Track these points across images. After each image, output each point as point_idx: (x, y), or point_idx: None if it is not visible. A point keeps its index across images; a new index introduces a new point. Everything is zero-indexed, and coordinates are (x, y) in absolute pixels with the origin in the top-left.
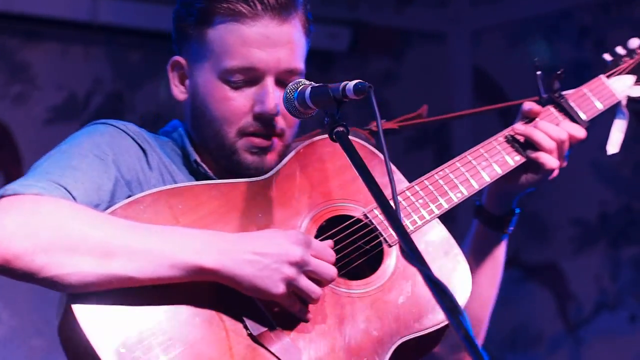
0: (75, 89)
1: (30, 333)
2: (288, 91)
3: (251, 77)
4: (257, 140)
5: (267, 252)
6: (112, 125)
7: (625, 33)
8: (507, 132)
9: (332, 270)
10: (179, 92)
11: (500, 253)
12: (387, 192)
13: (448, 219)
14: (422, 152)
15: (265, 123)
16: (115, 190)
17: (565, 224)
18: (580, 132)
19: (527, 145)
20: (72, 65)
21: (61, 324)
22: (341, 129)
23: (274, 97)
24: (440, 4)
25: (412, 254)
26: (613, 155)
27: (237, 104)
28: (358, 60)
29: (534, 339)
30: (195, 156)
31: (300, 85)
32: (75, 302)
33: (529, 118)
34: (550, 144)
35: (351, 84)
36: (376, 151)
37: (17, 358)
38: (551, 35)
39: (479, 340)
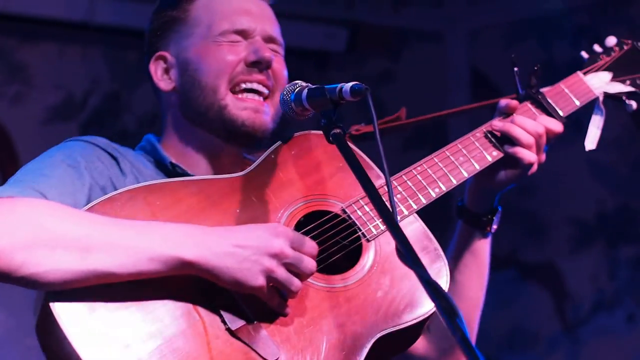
0: (73, 89)
1: (26, 333)
2: (285, 93)
3: (242, 36)
4: (249, 99)
5: (247, 244)
6: (81, 140)
7: (622, 32)
8: (484, 127)
9: (311, 264)
10: (165, 83)
11: (484, 252)
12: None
13: (444, 219)
14: (418, 152)
15: (258, 70)
16: (91, 195)
17: (563, 224)
18: (557, 127)
19: (504, 140)
20: (69, 65)
21: (39, 322)
22: (338, 130)
23: (268, 49)
24: (437, 3)
25: (408, 255)
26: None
27: (229, 55)
28: (355, 60)
29: (531, 338)
30: (169, 159)
31: (297, 87)
32: (53, 300)
33: (506, 114)
34: (527, 138)
35: (348, 85)
36: (355, 147)
37: (13, 358)
38: (548, 34)
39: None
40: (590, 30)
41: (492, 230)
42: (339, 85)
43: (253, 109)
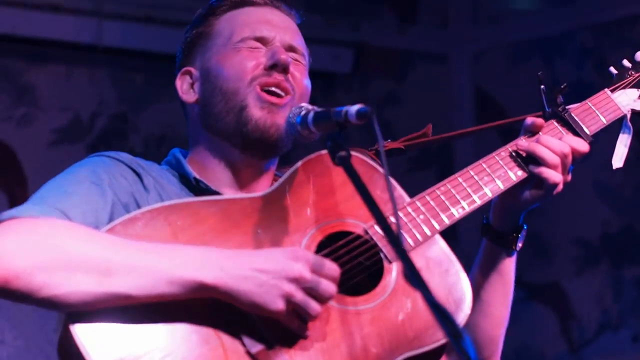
0: (80, 111)
1: (34, 354)
2: (291, 116)
3: (261, 43)
4: (269, 96)
5: (266, 268)
6: (105, 155)
7: (626, 54)
8: (509, 146)
9: (330, 287)
10: (188, 96)
11: (509, 270)
12: (388, 210)
13: (450, 236)
14: (425, 172)
15: (277, 72)
16: (113, 212)
17: (568, 244)
18: (583, 146)
19: (529, 160)
20: (77, 87)
21: (60, 342)
22: (344, 153)
23: (285, 52)
24: (441, 25)
25: (412, 276)
26: (617, 171)
27: (249, 59)
28: (361, 81)
29: (537, 359)
30: (193, 174)
31: (302, 110)
32: (73, 321)
33: (532, 132)
34: (553, 158)
35: (353, 108)
36: (376, 165)
37: None
38: (552, 56)
39: None
40: (594, 51)
41: (517, 249)
42: (345, 108)
43: (269, 108)
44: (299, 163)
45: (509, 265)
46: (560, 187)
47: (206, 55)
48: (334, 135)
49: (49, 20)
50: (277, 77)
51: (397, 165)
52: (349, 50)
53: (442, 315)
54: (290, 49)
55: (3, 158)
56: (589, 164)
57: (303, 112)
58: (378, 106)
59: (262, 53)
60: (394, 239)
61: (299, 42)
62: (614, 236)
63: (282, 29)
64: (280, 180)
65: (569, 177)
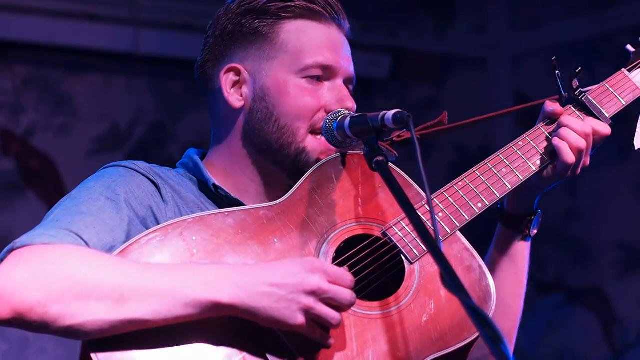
0: (118, 120)
1: None
2: (327, 121)
3: (326, 75)
4: (327, 144)
5: (283, 282)
6: (121, 166)
7: None
8: (527, 135)
9: (350, 296)
10: (234, 99)
11: (523, 258)
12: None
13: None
14: None
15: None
16: (130, 229)
17: (610, 248)
18: (605, 129)
19: (548, 147)
20: (115, 96)
21: None
22: (381, 158)
23: (351, 97)
24: (480, 29)
25: (451, 282)
26: None
27: (313, 98)
28: (399, 86)
29: None
30: (213, 180)
31: (339, 116)
32: (92, 349)
33: (550, 119)
34: (576, 139)
35: (390, 113)
36: (393, 166)
37: None
38: (592, 59)
39: None
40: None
41: (532, 234)
42: (382, 113)
43: (326, 153)
44: (310, 170)
45: (523, 252)
46: (579, 170)
47: (264, 64)
48: (370, 140)
49: (86, 29)
50: None
51: (436, 170)
52: (387, 56)
53: (481, 318)
54: (350, 81)
55: (42, 167)
56: (630, 167)
57: (340, 118)
58: (416, 111)
59: (325, 90)
60: (426, 236)
61: (354, 69)
62: None
63: (345, 58)
64: (294, 188)
65: (588, 161)
